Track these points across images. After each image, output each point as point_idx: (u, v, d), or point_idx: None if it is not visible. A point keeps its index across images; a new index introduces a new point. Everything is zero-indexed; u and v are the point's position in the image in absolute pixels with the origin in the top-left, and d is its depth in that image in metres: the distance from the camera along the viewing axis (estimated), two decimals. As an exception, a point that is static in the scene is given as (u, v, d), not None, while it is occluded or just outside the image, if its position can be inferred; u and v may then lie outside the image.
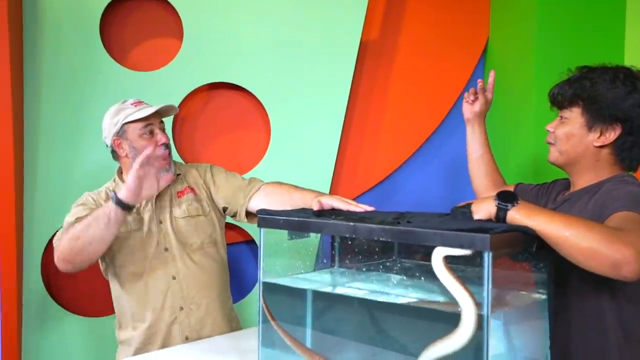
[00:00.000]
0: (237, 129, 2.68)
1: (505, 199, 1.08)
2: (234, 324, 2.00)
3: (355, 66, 2.60)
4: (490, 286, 0.93)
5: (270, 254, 1.33)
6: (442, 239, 0.98)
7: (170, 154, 1.93)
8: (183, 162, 2.42)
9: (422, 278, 1.27)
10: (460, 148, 2.77)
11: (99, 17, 2.45)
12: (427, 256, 1.30)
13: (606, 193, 1.27)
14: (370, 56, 2.72)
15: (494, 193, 1.10)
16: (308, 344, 1.34)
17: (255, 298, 2.58)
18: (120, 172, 1.97)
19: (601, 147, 1.35)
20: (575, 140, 1.37)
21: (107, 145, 1.93)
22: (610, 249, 1.00)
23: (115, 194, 1.65)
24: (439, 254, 0.95)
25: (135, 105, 1.89)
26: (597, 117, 1.34)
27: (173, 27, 2.58)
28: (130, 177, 1.64)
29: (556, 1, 2.37)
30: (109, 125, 1.89)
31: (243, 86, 2.58)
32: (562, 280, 1.22)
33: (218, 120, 2.66)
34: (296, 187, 1.99)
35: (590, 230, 1.03)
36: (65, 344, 2.44)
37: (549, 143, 1.45)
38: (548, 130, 1.45)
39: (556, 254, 1.07)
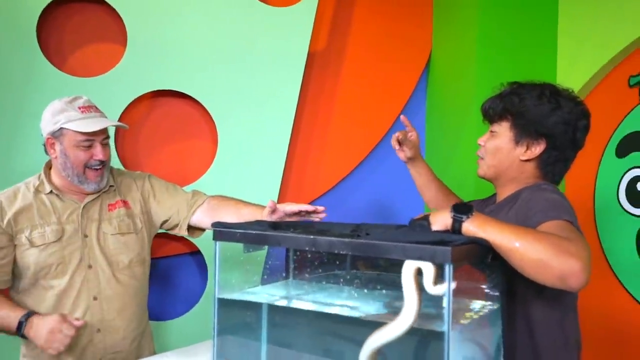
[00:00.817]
0: (183, 138, 2.62)
1: (460, 211, 1.10)
2: (149, 346, 1.93)
3: (303, 75, 2.61)
4: (451, 297, 0.95)
5: (225, 268, 1.31)
6: (403, 251, 0.99)
7: (105, 171, 1.79)
8: (122, 167, 2.34)
9: (376, 289, 1.29)
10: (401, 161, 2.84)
11: (37, 19, 2.34)
12: (381, 268, 1.33)
13: (525, 203, 1.31)
14: (317, 66, 2.74)
15: (450, 205, 1.13)
16: (263, 357, 1.33)
17: (200, 311, 2.53)
18: (48, 168, 1.81)
19: (527, 160, 1.41)
20: (503, 154, 1.42)
21: (42, 136, 1.78)
22: (558, 261, 1.03)
23: (23, 322, 1.59)
24: (411, 266, 0.96)
25: (83, 112, 1.73)
26: (524, 131, 1.39)
27: (116, 32, 2.50)
28: (46, 341, 1.56)
29: (495, 17, 2.49)
30: (48, 121, 1.73)
31: (189, 94, 2.53)
32: (511, 290, 1.26)
33: (162, 129, 2.60)
34: (243, 201, 1.95)
35: (538, 242, 1.06)
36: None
37: (479, 156, 1.49)
38: (479, 144, 1.50)
39: (507, 264, 1.11)
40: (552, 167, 1.41)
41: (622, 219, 2.27)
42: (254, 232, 1.21)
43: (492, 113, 1.46)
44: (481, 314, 1.13)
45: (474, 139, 2.39)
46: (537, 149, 1.39)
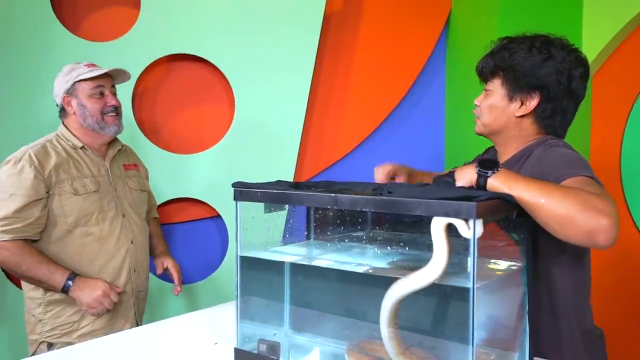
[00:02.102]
0: (200, 102, 2.61)
1: (486, 166, 1.08)
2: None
3: (320, 36, 2.56)
4: (476, 253, 0.93)
5: (246, 228, 1.30)
6: (427, 207, 0.97)
7: (119, 118, 1.96)
8: (140, 132, 2.47)
9: (398, 248, 1.28)
10: (424, 119, 2.81)
11: (50, -16, 2.32)
12: (403, 227, 1.31)
13: (539, 161, 1.27)
14: (334, 26, 2.68)
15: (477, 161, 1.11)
16: (286, 317, 1.33)
17: (223, 274, 2.55)
18: (65, 128, 1.95)
19: (522, 116, 1.36)
20: (497, 112, 1.37)
21: (57, 104, 1.95)
22: (586, 217, 1.01)
23: (69, 284, 1.75)
24: (441, 222, 0.95)
25: (89, 67, 1.92)
26: (516, 87, 1.34)
27: (129, -5, 2.48)
28: (93, 301, 1.77)
29: (518, -28, 2.39)
30: (60, 82, 1.91)
31: (205, 57, 2.51)
32: (537, 248, 1.24)
33: (179, 93, 2.59)
34: (162, 237, 2.24)
35: (565, 197, 1.03)
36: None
37: (475, 116, 1.45)
38: (475, 104, 1.45)
39: (532, 222, 1.08)
40: (551, 120, 1.36)
41: (648, 178, 2.22)
42: (275, 191, 1.20)
43: (485, 71, 1.41)
44: (506, 271, 1.12)
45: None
46: (531, 103, 1.34)
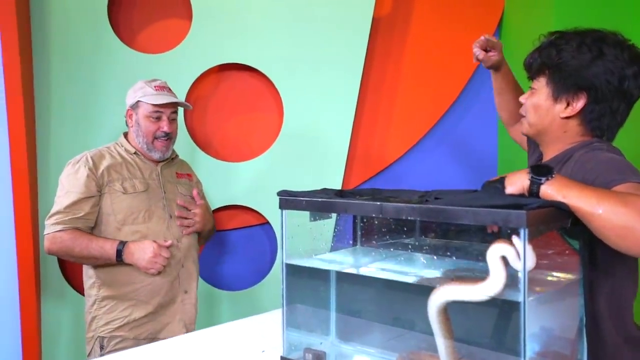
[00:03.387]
0: (249, 111, 2.64)
1: (540, 172, 1.03)
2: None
3: (368, 42, 2.55)
4: (526, 263, 0.90)
5: (292, 236, 1.30)
6: (474, 216, 0.95)
7: (170, 143, 2.06)
8: (191, 140, 2.53)
9: (445, 256, 1.25)
10: (476, 124, 2.74)
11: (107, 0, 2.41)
12: (451, 233, 1.28)
13: (580, 165, 1.19)
14: (382, 33, 2.66)
15: (529, 167, 1.06)
16: (332, 325, 1.32)
17: (272, 281, 2.57)
18: (125, 137, 2.08)
19: (568, 117, 1.27)
20: (542, 112, 1.30)
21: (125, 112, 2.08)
22: None
23: (121, 251, 1.86)
24: (497, 253, 0.92)
25: (157, 90, 2.02)
26: (562, 86, 1.26)
27: (182, 8, 2.54)
28: (147, 262, 1.87)
29: (574, -28, 2.30)
30: (130, 96, 2.04)
31: (254, 67, 2.54)
32: (594, 257, 1.18)
33: (229, 102, 2.63)
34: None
35: (624, 206, 0.97)
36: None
37: (522, 114, 1.38)
38: (521, 102, 1.38)
39: (589, 230, 1.03)
40: (598, 122, 1.26)
41: None
42: (320, 199, 1.19)
43: (532, 68, 1.34)
44: (560, 283, 1.07)
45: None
46: (578, 104, 1.25)
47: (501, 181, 1.06)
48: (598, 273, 1.18)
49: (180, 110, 2.47)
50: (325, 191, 1.34)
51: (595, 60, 1.23)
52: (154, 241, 1.89)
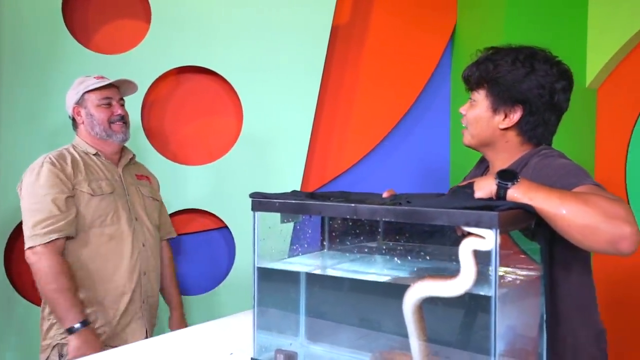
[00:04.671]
0: (208, 114, 2.63)
1: (505, 177, 1.09)
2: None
3: (327, 49, 2.59)
4: (497, 263, 0.94)
5: (263, 238, 1.31)
6: (448, 217, 0.99)
7: (126, 125, 2.02)
8: (149, 143, 2.48)
9: (416, 259, 1.28)
10: (430, 131, 2.83)
11: (61, -3, 2.35)
12: (417, 235, 1.32)
13: (538, 172, 1.27)
14: (341, 40, 2.71)
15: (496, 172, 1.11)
16: (302, 326, 1.34)
17: (230, 285, 2.55)
18: (79, 138, 2.02)
19: (506, 129, 1.36)
20: (483, 124, 1.38)
21: (69, 116, 2.03)
22: (609, 226, 1.01)
23: (73, 331, 1.74)
24: (469, 247, 0.96)
25: (98, 79, 2.00)
26: (499, 99, 1.34)
27: (140, 8, 2.50)
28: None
29: (524, -17, 2.42)
30: (71, 95, 1.99)
31: (214, 70, 2.53)
32: (553, 257, 1.25)
33: (188, 105, 2.60)
34: (173, 273, 2.23)
35: (586, 206, 1.04)
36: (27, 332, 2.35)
37: (463, 125, 1.45)
38: (460, 113, 1.45)
39: (551, 230, 1.09)
40: (534, 132, 1.36)
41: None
42: (294, 201, 1.21)
43: (470, 80, 1.42)
44: (523, 281, 1.13)
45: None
46: (515, 116, 1.34)
47: (470, 186, 1.11)
48: (558, 270, 1.25)
49: (137, 112, 2.43)
50: (295, 193, 1.35)
51: (529, 75, 1.32)
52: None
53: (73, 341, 1.75)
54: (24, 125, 2.34)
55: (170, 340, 1.55)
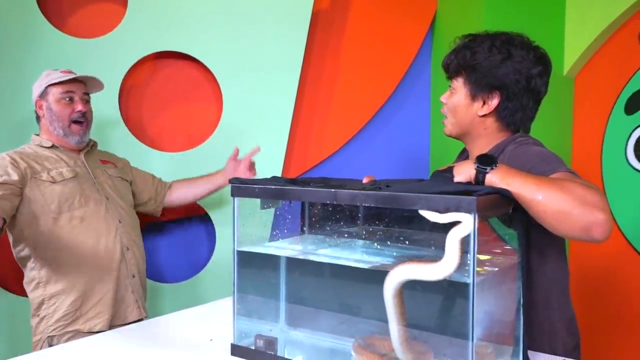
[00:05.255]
0: (187, 101, 2.60)
1: (484, 162, 1.10)
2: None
3: (308, 35, 2.57)
4: (476, 248, 0.95)
5: (243, 224, 1.30)
6: (427, 202, 0.99)
7: (87, 127, 1.99)
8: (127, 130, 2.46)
9: (395, 244, 1.29)
10: (409, 119, 2.83)
11: (35, -21, 2.29)
12: (397, 220, 1.33)
13: (513, 159, 1.28)
14: (321, 26, 2.69)
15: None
16: (282, 312, 1.34)
17: (210, 272, 2.54)
18: (37, 135, 2.00)
19: (485, 115, 1.38)
20: (462, 111, 1.39)
21: (33, 110, 2.00)
22: (582, 212, 1.03)
23: None
24: (458, 235, 0.96)
25: (63, 73, 1.94)
26: (477, 86, 1.36)
27: (117, -9, 2.46)
28: None
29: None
30: (36, 87, 1.97)
31: (192, 55, 2.49)
32: (530, 243, 1.27)
33: (166, 91, 2.57)
34: (195, 178, 2.30)
35: (561, 192, 1.05)
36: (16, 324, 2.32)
37: (443, 115, 1.46)
38: (441, 101, 1.46)
39: (527, 216, 1.10)
40: (512, 118, 1.37)
41: (630, 177, 2.27)
42: (273, 187, 1.20)
43: (449, 69, 1.43)
44: (501, 266, 1.14)
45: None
46: (493, 102, 1.36)
47: (450, 170, 1.12)
48: (534, 256, 1.27)
49: (115, 98, 2.39)
50: (276, 179, 1.35)
51: (505, 61, 1.33)
52: None
53: None
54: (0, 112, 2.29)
55: (150, 327, 1.54)
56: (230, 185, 1.26)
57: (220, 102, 2.54)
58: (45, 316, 1.84)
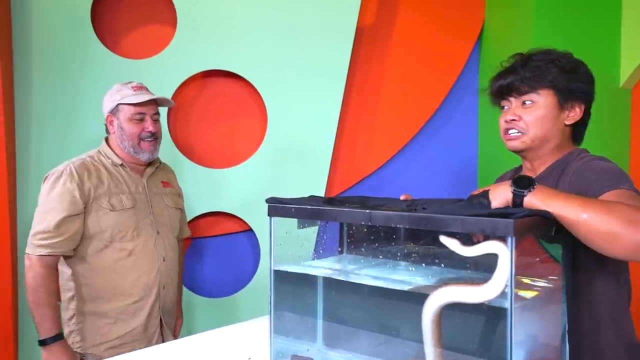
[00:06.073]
0: (233, 117, 2.64)
1: (521, 185, 1.06)
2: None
3: (352, 51, 2.57)
4: (513, 271, 0.91)
5: (280, 243, 1.31)
6: (463, 224, 0.96)
7: (157, 144, 1.99)
8: (174, 147, 2.49)
9: (433, 265, 1.26)
10: (457, 132, 2.78)
11: (90, 4, 2.40)
12: (437, 241, 1.30)
13: (578, 176, 1.26)
14: (366, 42, 2.69)
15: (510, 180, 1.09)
16: (319, 332, 1.33)
17: (254, 288, 2.56)
18: (107, 144, 1.99)
19: (567, 125, 1.38)
20: (549, 123, 1.36)
21: (104, 122, 1.99)
22: (630, 232, 0.98)
23: (51, 341, 1.75)
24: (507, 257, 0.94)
25: (135, 89, 1.95)
26: (567, 96, 1.35)
27: (166, 14, 2.54)
28: None
29: (554, -16, 2.36)
30: (107, 101, 1.96)
31: (238, 73, 2.54)
32: (578, 265, 1.21)
33: (213, 108, 2.62)
34: (180, 275, 2.21)
35: (608, 212, 1.01)
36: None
37: (518, 132, 1.39)
38: (511, 120, 1.40)
39: (572, 238, 1.06)
40: (582, 128, 1.41)
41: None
42: (309, 207, 1.20)
43: (518, 85, 1.38)
44: (545, 290, 1.09)
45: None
46: (577, 112, 1.36)
47: (485, 194, 1.09)
48: (581, 279, 1.21)
49: (164, 115, 2.46)
50: (313, 198, 1.35)
51: (583, 74, 1.37)
52: None
53: (43, 353, 1.77)
54: (55, 130, 2.39)
55: (188, 344, 1.56)
56: (267, 205, 1.27)
57: (266, 118, 2.58)
58: (74, 330, 1.86)
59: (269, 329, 1.29)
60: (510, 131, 1.41)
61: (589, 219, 1.01)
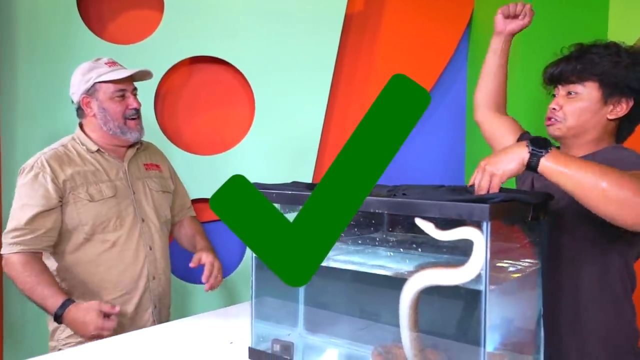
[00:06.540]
0: (221, 104, 2.64)
1: (539, 144, 1.07)
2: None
3: (341, 38, 2.56)
4: (488, 256, 0.93)
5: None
6: (440, 209, 0.97)
7: (141, 120, 1.90)
8: (162, 134, 2.46)
9: (412, 250, 1.27)
10: (445, 122, 2.79)
11: (76, -12, 2.38)
12: (417, 228, 1.31)
13: (603, 160, 1.25)
14: (354, 28, 2.68)
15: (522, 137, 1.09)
16: (300, 317, 1.34)
17: (241, 274, 2.57)
18: (82, 129, 1.87)
19: (610, 120, 1.37)
20: (588, 115, 1.37)
21: (72, 102, 1.87)
22: None
23: (61, 311, 1.62)
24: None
25: (109, 65, 1.84)
26: (613, 90, 1.35)
27: (153, -2, 2.52)
28: (89, 328, 1.60)
29: (542, -26, 2.36)
30: (79, 81, 1.83)
31: (226, 60, 2.53)
32: (560, 249, 1.22)
33: (201, 95, 2.61)
34: (202, 233, 2.13)
35: (625, 180, 1.02)
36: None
37: (556, 120, 1.42)
38: (554, 108, 1.42)
39: (550, 222, 1.07)
40: (631, 124, 1.39)
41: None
42: (290, 192, 1.20)
43: (568, 75, 1.40)
44: (521, 273, 1.11)
45: (519, 101, 2.33)
46: (625, 106, 1.35)
47: (473, 188, 1.10)
48: (563, 263, 1.23)
49: (150, 102, 2.45)
50: (295, 184, 1.35)
51: (635, 67, 1.34)
52: (100, 308, 1.62)
53: (70, 322, 1.64)
54: (41, 118, 2.37)
55: (172, 328, 1.57)
56: (248, 189, 1.26)
57: (253, 105, 2.57)
58: (59, 327, 1.76)
59: (250, 313, 1.30)
60: (556, 118, 1.43)
61: (607, 186, 1.02)
